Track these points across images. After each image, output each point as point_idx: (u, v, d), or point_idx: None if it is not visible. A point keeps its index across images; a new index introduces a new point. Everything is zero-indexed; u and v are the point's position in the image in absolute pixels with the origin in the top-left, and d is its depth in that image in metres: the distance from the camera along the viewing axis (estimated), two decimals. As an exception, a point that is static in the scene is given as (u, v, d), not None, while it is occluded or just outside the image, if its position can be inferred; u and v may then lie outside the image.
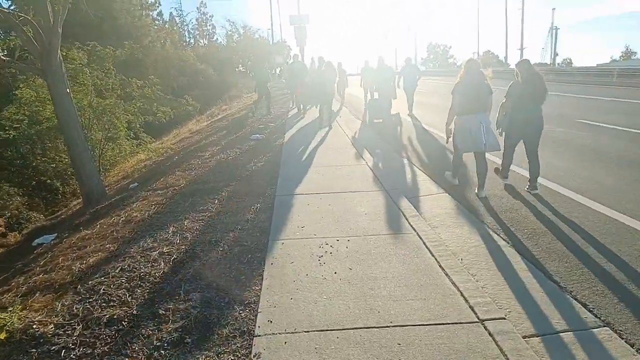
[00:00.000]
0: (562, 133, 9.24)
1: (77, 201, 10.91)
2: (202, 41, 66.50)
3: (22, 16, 7.14)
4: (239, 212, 5.16)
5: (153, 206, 5.71)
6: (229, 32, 60.45)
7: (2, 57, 8.18)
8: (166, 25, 60.64)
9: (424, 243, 4.05)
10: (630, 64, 48.57)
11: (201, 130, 16.36)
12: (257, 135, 10.54)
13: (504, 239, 4.29)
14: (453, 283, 3.32)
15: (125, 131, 11.33)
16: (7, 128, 10.61)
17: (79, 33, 23.26)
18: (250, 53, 57.28)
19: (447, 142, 6.23)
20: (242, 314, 3.02)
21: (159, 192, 6.55)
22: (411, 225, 4.51)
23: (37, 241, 5.79)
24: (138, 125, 11.99)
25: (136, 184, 8.49)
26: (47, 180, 11.06)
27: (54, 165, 10.65)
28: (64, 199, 10.97)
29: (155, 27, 49.78)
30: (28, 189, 11.00)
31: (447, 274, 3.46)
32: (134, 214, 5.43)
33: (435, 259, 3.72)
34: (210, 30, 67.75)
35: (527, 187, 5.71)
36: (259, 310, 3.05)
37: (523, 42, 57.65)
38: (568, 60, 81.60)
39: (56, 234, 5.90)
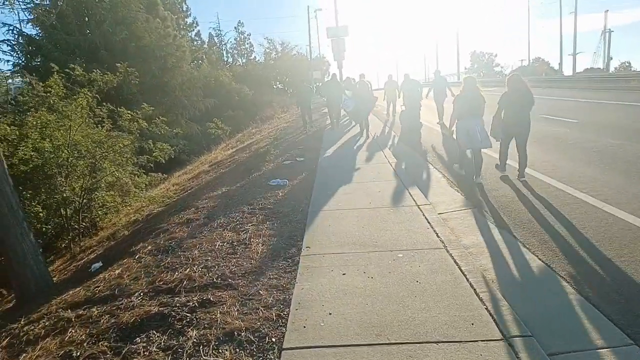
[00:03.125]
0: None
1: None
2: (240, 60, 65.52)
3: None
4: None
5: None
6: (267, 50, 59.05)
7: None
8: (204, 46, 60.22)
9: None
10: None
11: (222, 161, 13.92)
12: (278, 180, 7.80)
13: None
14: None
15: (116, 174, 8.90)
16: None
17: (103, 56, 21.82)
18: (288, 70, 55.68)
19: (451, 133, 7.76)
20: None
21: (94, 309, 3.88)
22: None
23: None
24: (130, 168, 9.49)
25: (100, 264, 5.95)
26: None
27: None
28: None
29: (193, 47, 49.10)
30: None
31: None
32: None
33: None
34: (249, 49, 66.74)
35: (517, 175, 6.79)
36: None
37: (576, 48, 52.49)
38: (627, 64, 74.52)
39: None
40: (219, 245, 4.97)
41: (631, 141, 8.86)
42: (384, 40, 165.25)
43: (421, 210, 5.59)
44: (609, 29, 58.30)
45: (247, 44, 66.49)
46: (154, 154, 9.39)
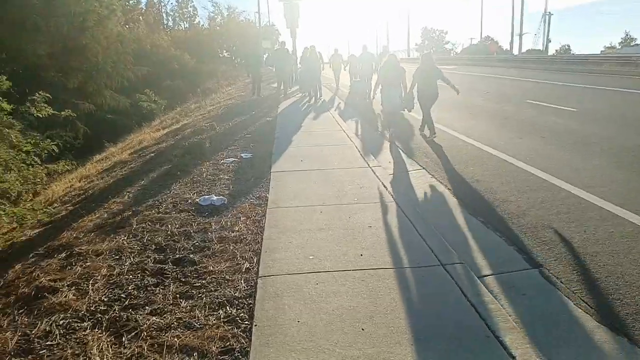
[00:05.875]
0: None
1: None
2: (182, 25, 59.84)
3: None
4: None
5: None
6: (212, 14, 54.23)
7: None
8: (141, 6, 53.94)
9: None
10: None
11: (147, 148, 10.95)
12: (213, 197, 5.20)
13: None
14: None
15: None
16: None
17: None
18: (235, 37, 51.41)
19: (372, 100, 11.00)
20: None
21: None
22: None
23: None
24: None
25: None
26: None
27: None
28: None
29: (127, 6, 43.56)
30: None
31: None
32: None
33: None
34: (192, 13, 61.00)
35: (420, 130, 8.84)
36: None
37: (522, 28, 52.57)
38: (566, 47, 76.58)
39: None
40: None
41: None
42: (337, 14, 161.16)
43: (450, 275, 3.28)
44: (549, 12, 58.90)
45: (190, 7, 60.78)
46: (25, 148, 6.38)
